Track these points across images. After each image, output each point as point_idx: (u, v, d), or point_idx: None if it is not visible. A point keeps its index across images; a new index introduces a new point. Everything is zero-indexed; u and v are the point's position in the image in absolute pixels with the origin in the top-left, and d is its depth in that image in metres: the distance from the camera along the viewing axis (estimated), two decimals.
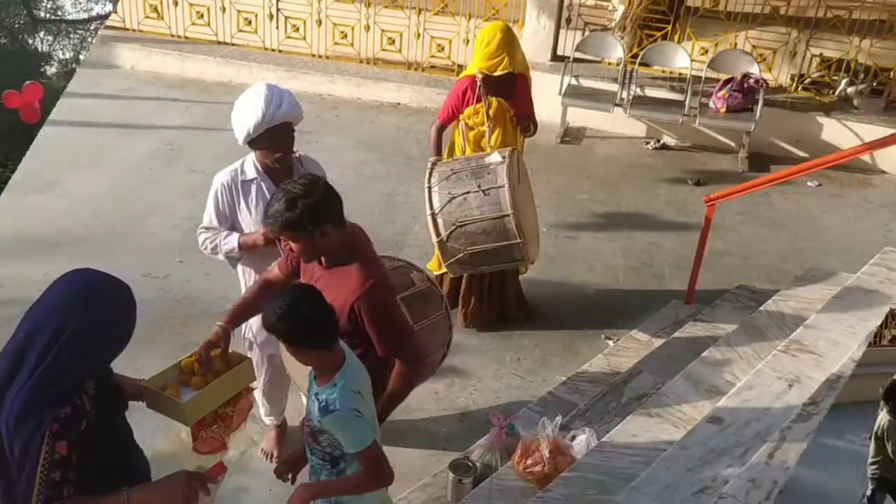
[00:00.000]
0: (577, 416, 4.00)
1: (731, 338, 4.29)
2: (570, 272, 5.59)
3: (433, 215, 4.31)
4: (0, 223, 5.62)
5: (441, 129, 4.77)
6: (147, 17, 8.60)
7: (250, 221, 3.41)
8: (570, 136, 7.63)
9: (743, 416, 3.49)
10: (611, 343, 4.88)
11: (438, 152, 4.74)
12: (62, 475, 1.99)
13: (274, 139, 3.27)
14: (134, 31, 8.64)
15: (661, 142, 7.53)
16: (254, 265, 3.49)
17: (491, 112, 4.60)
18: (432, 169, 4.41)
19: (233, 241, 3.41)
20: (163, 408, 2.52)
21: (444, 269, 4.73)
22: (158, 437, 2.87)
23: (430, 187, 4.34)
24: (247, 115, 3.22)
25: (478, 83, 4.55)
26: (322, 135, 7.34)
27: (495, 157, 4.34)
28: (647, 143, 7.54)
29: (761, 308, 4.56)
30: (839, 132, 7.12)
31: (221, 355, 2.70)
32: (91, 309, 2.01)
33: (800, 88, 7.64)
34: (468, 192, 4.26)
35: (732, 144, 7.45)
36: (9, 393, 1.96)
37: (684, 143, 7.57)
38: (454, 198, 4.27)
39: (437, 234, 4.33)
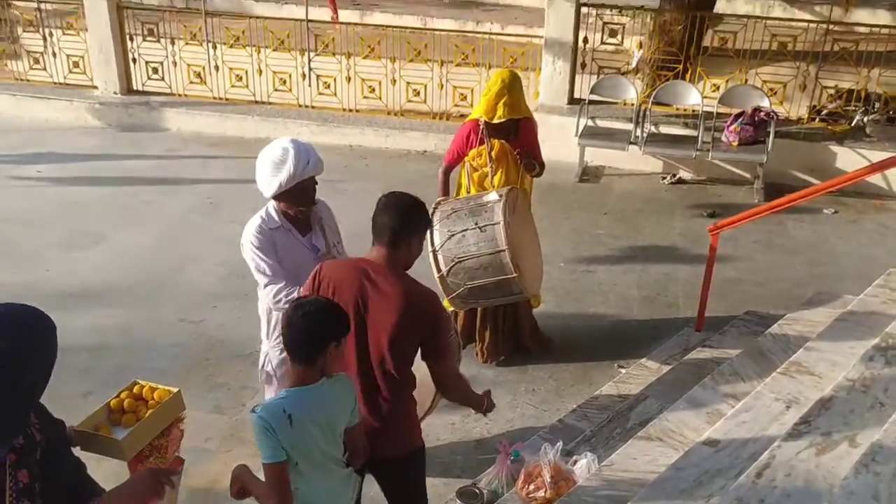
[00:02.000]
0: (583, 441, 4.17)
1: (734, 362, 4.43)
2: (585, 304, 5.79)
3: (434, 252, 4.48)
4: (48, 278, 6.06)
5: (447, 171, 5.01)
6: (191, 83, 9.18)
7: (283, 266, 3.54)
8: (589, 174, 7.88)
9: (739, 437, 3.58)
10: (623, 371, 5.04)
11: (446, 193, 4.97)
12: (30, 503, 2.11)
13: (301, 193, 3.51)
14: (180, 95, 9.23)
15: (677, 176, 7.73)
16: None
17: (493, 154, 4.82)
18: (435, 208, 4.60)
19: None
20: (99, 447, 2.64)
21: None
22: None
23: (432, 227, 4.50)
24: (277, 171, 3.42)
25: (480, 126, 4.80)
26: (351, 182, 7.72)
27: (492, 196, 4.51)
28: (664, 178, 7.75)
29: (766, 332, 4.68)
30: (853, 160, 7.22)
31: (150, 390, 2.90)
32: (17, 336, 2.12)
33: (817, 119, 7.78)
34: (466, 230, 4.40)
35: (748, 176, 7.61)
36: None
37: (700, 177, 7.76)
38: (453, 235, 4.42)
39: (438, 269, 4.52)
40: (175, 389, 2.89)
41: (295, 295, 3.48)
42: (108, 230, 6.77)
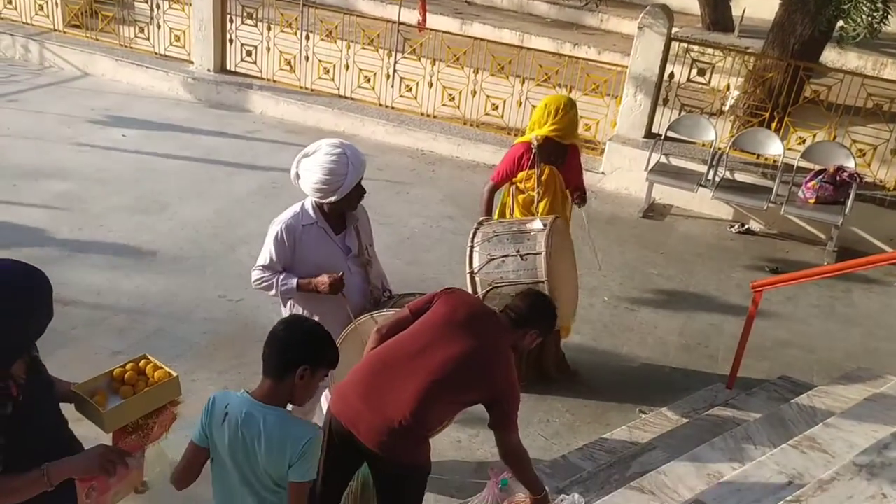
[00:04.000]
0: (578, 481, 4.07)
1: (751, 426, 4.25)
2: (620, 342, 5.66)
3: (472, 274, 4.49)
4: (107, 238, 6.35)
5: (494, 190, 4.96)
6: (281, 69, 9.46)
7: (308, 262, 3.63)
8: (655, 211, 7.69)
9: None
10: (643, 416, 4.90)
11: (489, 212, 4.94)
12: None
13: (353, 197, 3.59)
14: (268, 80, 9.52)
15: (746, 226, 7.46)
16: (306, 305, 3.69)
17: (543, 178, 4.79)
18: (477, 229, 4.60)
19: (292, 283, 3.60)
20: (87, 413, 2.68)
21: None
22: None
23: (471, 247, 4.49)
24: (334, 179, 3.47)
25: (533, 149, 4.78)
26: (415, 187, 7.80)
27: (537, 225, 4.48)
28: (732, 226, 7.49)
29: (793, 401, 4.48)
30: None
31: (153, 369, 2.94)
32: (2, 291, 2.15)
33: None
34: (507, 256, 4.38)
35: (822, 237, 7.27)
36: None
37: (770, 231, 7.46)
38: (493, 259, 4.40)
39: (474, 292, 4.52)
40: (175, 374, 2.91)
41: (276, 282, 3.61)
42: (173, 200, 7.04)
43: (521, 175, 4.84)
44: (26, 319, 2.21)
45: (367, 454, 3.05)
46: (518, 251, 4.39)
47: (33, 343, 2.33)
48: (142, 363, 2.96)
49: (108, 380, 2.85)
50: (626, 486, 3.77)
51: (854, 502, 3.19)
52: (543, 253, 4.34)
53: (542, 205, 4.84)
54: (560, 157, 4.82)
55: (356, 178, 3.53)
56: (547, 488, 3.76)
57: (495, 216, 4.97)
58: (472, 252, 4.50)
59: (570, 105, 4.76)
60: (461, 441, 4.64)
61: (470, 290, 4.53)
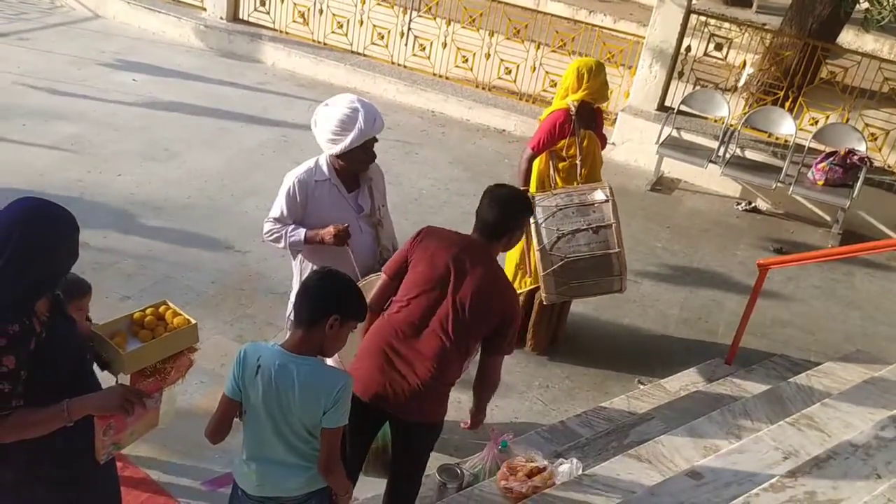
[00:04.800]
0: (576, 447, 4.15)
1: (749, 402, 4.32)
2: (622, 313, 5.70)
3: (542, 250, 4.50)
4: (119, 182, 6.36)
5: (532, 159, 4.86)
6: (294, 21, 9.36)
7: (319, 218, 3.63)
8: (663, 185, 7.69)
9: (724, 476, 3.51)
10: (641, 388, 4.97)
11: (527, 182, 4.88)
12: (10, 388, 2.18)
13: (364, 152, 3.59)
14: (281, 31, 9.43)
15: (753, 205, 7.47)
16: (314, 259, 3.73)
17: (584, 145, 4.76)
18: (534, 204, 4.53)
19: (300, 234, 3.62)
20: (106, 353, 2.72)
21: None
22: None
23: (536, 223, 4.51)
24: (345, 130, 3.48)
25: (572, 115, 4.71)
26: (424, 148, 7.78)
27: (599, 196, 4.51)
28: (738, 203, 7.50)
29: (791, 379, 4.54)
30: None
31: (172, 315, 2.97)
32: (30, 227, 2.19)
33: None
34: (578, 230, 4.45)
35: (827, 219, 7.29)
36: None
37: (777, 210, 7.48)
38: (563, 235, 4.46)
39: (546, 268, 4.51)
40: (193, 321, 2.95)
41: (285, 234, 3.63)
42: (183, 149, 7.02)
43: (562, 143, 4.76)
44: (51, 257, 2.25)
45: (396, 421, 3.15)
46: (589, 225, 4.46)
47: (58, 281, 2.36)
48: (161, 308, 3.00)
49: (128, 323, 2.89)
50: (623, 454, 3.85)
51: (849, 481, 3.26)
52: (613, 224, 4.45)
53: (583, 171, 4.80)
54: (593, 121, 4.83)
55: (361, 137, 3.51)
56: (542, 452, 3.86)
57: (532, 186, 4.90)
58: (539, 228, 4.54)
59: (600, 67, 4.74)
60: (461, 402, 4.67)
61: (541, 267, 4.56)
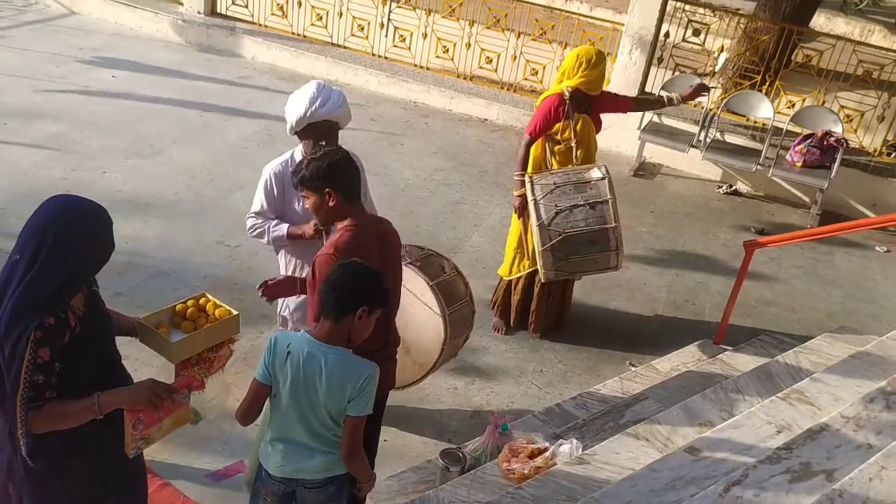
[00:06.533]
0: (574, 428, 4.23)
1: (740, 379, 4.42)
2: (609, 297, 5.80)
3: (541, 226, 4.61)
4: (103, 179, 6.32)
5: (531, 144, 4.92)
6: (273, 14, 9.34)
7: (298, 210, 3.64)
8: (645, 170, 7.80)
9: (721, 451, 3.60)
10: (633, 369, 5.06)
11: (524, 167, 4.93)
12: (45, 379, 2.24)
13: (315, 134, 3.51)
14: (260, 25, 9.40)
15: (734, 188, 7.60)
16: (297, 254, 3.73)
17: (578, 128, 4.85)
18: (533, 183, 4.69)
19: (282, 229, 3.61)
20: (153, 344, 2.78)
21: (513, 276, 5.13)
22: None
23: (535, 200, 4.62)
24: (292, 110, 3.50)
25: (566, 100, 4.80)
26: (408, 139, 7.81)
27: (596, 174, 4.66)
28: (720, 187, 7.63)
29: (779, 357, 4.65)
30: None
31: (213, 307, 3.01)
32: (65, 225, 2.26)
33: (892, 155, 7.54)
34: (575, 206, 4.58)
35: (806, 200, 7.44)
36: (3, 304, 2.22)
37: (757, 192, 7.62)
38: (561, 211, 4.59)
39: (545, 242, 4.62)
40: (235, 312, 3.00)
41: (267, 229, 3.63)
42: (167, 144, 7.00)
43: (557, 126, 4.86)
44: (86, 251, 2.31)
45: None
46: (586, 200, 4.60)
47: (93, 276, 2.43)
48: (202, 301, 3.04)
49: (171, 314, 2.95)
50: (622, 433, 3.93)
51: (842, 451, 3.36)
52: (610, 199, 4.59)
53: (578, 153, 4.89)
54: (588, 107, 4.90)
55: (310, 118, 3.45)
56: (541, 435, 3.93)
57: (529, 171, 4.95)
58: (537, 205, 4.65)
59: (600, 58, 4.82)
60: (457, 388, 4.78)
61: (540, 243, 4.67)
